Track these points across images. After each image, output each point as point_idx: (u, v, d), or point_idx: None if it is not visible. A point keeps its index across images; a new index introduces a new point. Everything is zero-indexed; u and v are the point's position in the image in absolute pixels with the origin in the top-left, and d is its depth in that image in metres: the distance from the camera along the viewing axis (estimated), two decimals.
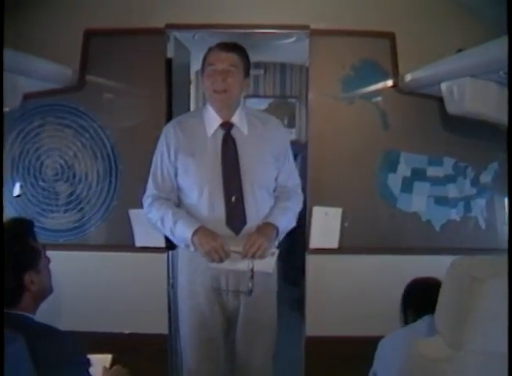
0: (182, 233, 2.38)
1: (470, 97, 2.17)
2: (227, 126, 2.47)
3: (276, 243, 2.49)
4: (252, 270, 2.35)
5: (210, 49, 2.44)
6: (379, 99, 2.94)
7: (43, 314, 1.76)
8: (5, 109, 2.30)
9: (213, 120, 2.47)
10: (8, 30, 2.70)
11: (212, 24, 2.93)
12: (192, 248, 2.38)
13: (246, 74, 2.47)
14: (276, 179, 2.56)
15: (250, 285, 2.39)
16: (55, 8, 2.88)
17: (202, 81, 2.47)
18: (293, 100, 5.83)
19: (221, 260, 2.30)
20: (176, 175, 2.49)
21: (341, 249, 2.95)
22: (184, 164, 2.46)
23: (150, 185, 2.53)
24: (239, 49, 2.42)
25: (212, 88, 2.40)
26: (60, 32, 2.85)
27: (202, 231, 2.34)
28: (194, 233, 2.33)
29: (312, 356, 2.96)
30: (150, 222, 2.57)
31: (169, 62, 2.98)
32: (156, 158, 2.52)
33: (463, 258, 1.31)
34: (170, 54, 2.98)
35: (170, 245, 2.95)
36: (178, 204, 2.53)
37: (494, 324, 1.19)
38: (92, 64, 2.90)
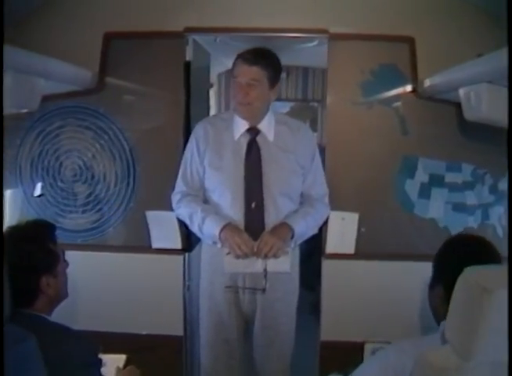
0: (211, 229, 2.42)
1: (487, 103, 2.16)
2: (253, 132, 2.49)
3: (292, 245, 2.50)
4: (265, 270, 2.39)
5: (236, 58, 2.44)
6: (398, 104, 2.91)
7: (60, 313, 1.79)
8: (24, 110, 2.34)
9: (240, 124, 2.50)
10: (28, 32, 2.75)
11: (231, 28, 2.94)
12: (219, 245, 2.43)
13: (274, 82, 2.45)
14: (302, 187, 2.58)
15: (263, 284, 2.44)
16: (75, 11, 2.92)
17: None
18: (316, 104, 5.77)
19: (245, 256, 2.35)
20: (204, 173, 2.52)
21: (357, 254, 2.93)
22: (210, 165, 2.50)
23: (180, 182, 2.58)
24: (262, 61, 2.39)
25: (236, 100, 2.44)
26: (80, 35, 2.88)
27: (229, 227, 2.39)
28: (222, 229, 2.38)
29: (327, 360, 2.94)
30: (178, 218, 2.67)
31: (188, 65, 2.99)
32: (187, 156, 2.57)
33: (475, 267, 1.30)
34: (188, 57, 3.00)
35: (186, 247, 2.97)
36: (206, 201, 2.57)
37: (504, 335, 1.18)
38: (112, 67, 2.93)
